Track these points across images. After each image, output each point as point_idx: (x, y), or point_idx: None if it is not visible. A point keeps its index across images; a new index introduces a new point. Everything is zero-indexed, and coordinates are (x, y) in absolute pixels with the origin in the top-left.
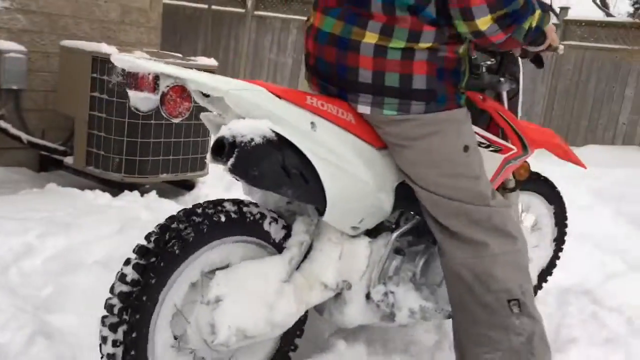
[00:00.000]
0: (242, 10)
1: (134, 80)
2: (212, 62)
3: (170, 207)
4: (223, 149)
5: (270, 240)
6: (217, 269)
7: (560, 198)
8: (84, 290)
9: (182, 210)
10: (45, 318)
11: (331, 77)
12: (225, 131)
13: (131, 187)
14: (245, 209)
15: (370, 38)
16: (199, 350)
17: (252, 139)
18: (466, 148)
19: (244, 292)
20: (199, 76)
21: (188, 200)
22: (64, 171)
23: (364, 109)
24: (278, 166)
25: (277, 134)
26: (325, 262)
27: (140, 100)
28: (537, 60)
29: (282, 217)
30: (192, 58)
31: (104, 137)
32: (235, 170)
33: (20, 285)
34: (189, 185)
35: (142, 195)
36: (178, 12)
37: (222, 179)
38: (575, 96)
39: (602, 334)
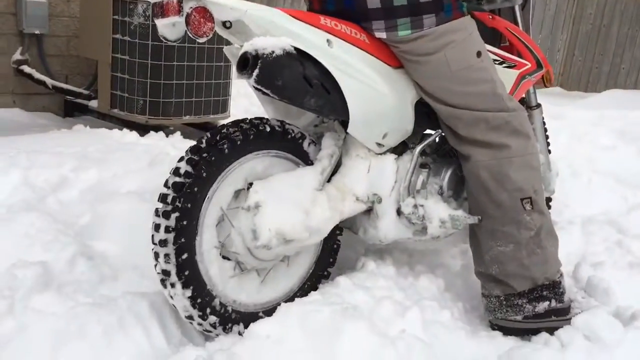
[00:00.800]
0: None
1: (159, 8)
2: None
3: None
4: (247, 64)
5: (308, 160)
6: (249, 183)
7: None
8: (120, 218)
9: (231, 120)
10: (86, 242)
11: (342, 14)
12: (248, 47)
13: (156, 129)
14: (287, 126)
15: None
16: (241, 255)
17: (273, 51)
18: (479, 54)
19: (281, 199)
20: None
21: None
22: (89, 116)
23: (380, 35)
24: (300, 76)
25: (297, 49)
26: (355, 175)
27: (168, 28)
28: None
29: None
30: None
31: (127, 80)
32: (259, 81)
33: (59, 213)
34: (211, 128)
35: (167, 136)
36: None
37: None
38: (596, 41)
39: (627, 259)
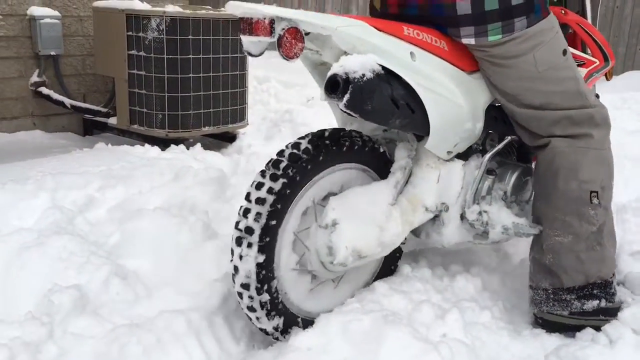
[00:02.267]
0: None
1: (247, 25)
2: None
3: (217, 159)
4: (337, 86)
5: (375, 167)
6: (332, 193)
7: None
8: (150, 235)
9: (310, 133)
10: (118, 261)
11: (424, 19)
12: (337, 69)
13: (176, 142)
14: (365, 138)
15: None
16: (316, 270)
17: (363, 75)
18: (564, 52)
19: (357, 216)
20: (310, 16)
21: (231, 151)
22: (109, 133)
23: (468, 41)
24: (388, 99)
25: (384, 67)
26: (426, 186)
27: (254, 44)
28: None
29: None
30: (223, 9)
31: (145, 95)
32: (350, 107)
33: (89, 233)
34: (230, 137)
35: (187, 148)
36: None
37: (260, 129)
38: (610, 23)
39: None
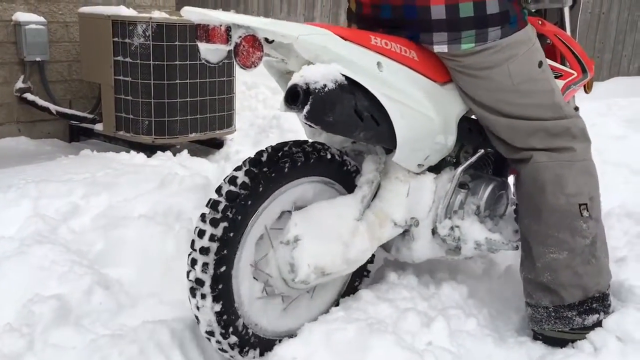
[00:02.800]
0: None
1: (204, 32)
2: None
3: (204, 165)
4: (297, 97)
5: (340, 180)
6: (297, 207)
7: None
8: (134, 243)
9: (293, 140)
10: (101, 270)
11: (397, 22)
12: (297, 79)
13: (162, 148)
14: (331, 150)
15: None
16: (273, 279)
17: (324, 85)
18: (540, 64)
19: (321, 231)
20: (269, 24)
21: (219, 158)
22: (95, 139)
23: (440, 48)
24: (351, 111)
25: (347, 78)
26: (394, 200)
27: (211, 52)
28: None
29: (348, 156)
30: None
31: (131, 101)
32: (310, 118)
33: (72, 242)
34: (218, 144)
35: (174, 155)
36: None
37: (249, 134)
38: (596, 29)
39: None
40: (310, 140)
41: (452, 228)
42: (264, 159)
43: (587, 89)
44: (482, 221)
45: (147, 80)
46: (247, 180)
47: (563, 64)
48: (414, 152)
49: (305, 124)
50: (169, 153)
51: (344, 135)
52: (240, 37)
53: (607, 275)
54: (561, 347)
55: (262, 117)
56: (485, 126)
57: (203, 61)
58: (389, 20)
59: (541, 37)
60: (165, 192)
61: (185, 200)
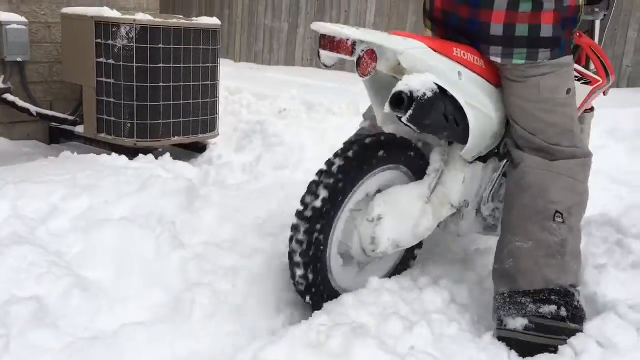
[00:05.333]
0: None
1: (330, 43)
2: (214, 21)
3: (187, 169)
4: (401, 102)
5: (413, 168)
6: (378, 191)
7: None
8: (114, 245)
9: (380, 133)
10: (80, 272)
11: (462, 30)
12: (403, 87)
13: (144, 151)
14: (410, 143)
15: None
16: (356, 256)
17: (424, 94)
18: (569, 91)
19: (398, 212)
20: (385, 40)
21: (201, 162)
22: (76, 141)
23: (495, 59)
24: (442, 115)
25: (439, 86)
26: (454, 186)
27: (330, 58)
28: None
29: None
30: (195, 19)
31: (113, 103)
32: (411, 121)
33: (51, 243)
34: (200, 148)
35: (156, 158)
36: None
37: (232, 139)
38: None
39: (629, 260)
40: (393, 134)
41: (493, 210)
42: (363, 148)
43: (605, 93)
44: None
45: (130, 82)
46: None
47: (590, 70)
48: (477, 147)
49: (405, 125)
50: (151, 156)
51: (432, 134)
52: (363, 50)
53: (573, 276)
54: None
55: (245, 122)
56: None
57: (322, 65)
58: (456, 28)
59: (577, 47)
60: (147, 194)
61: (167, 203)
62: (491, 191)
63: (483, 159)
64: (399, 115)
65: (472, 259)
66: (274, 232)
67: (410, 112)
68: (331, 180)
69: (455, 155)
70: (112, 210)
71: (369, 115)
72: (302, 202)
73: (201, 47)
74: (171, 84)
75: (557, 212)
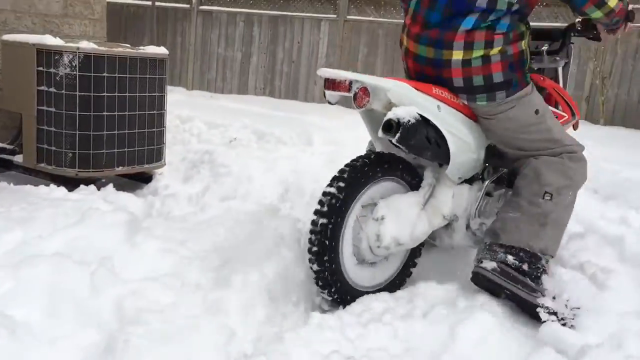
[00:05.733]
0: (187, 6)
1: (331, 84)
2: (162, 50)
3: (130, 200)
4: (391, 127)
5: (408, 181)
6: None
7: None
8: (46, 282)
9: (375, 152)
10: (7, 312)
11: (436, 82)
12: (392, 115)
13: (86, 182)
14: (404, 160)
15: (457, 55)
16: (364, 254)
17: (409, 120)
18: (537, 111)
19: (398, 214)
20: (374, 80)
21: (146, 193)
22: (14, 171)
23: (463, 101)
24: (424, 137)
25: (421, 116)
26: (444, 199)
27: (333, 96)
28: (597, 38)
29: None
30: (142, 48)
31: (54, 132)
32: (399, 141)
33: None
34: (146, 178)
35: (98, 189)
36: (122, 10)
37: (179, 169)
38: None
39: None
40: (392, 153)
41: (480, 224)
42: (368, 160)
43: (575, 127)
44: None
45: (73, 111)
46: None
47: (557, 108)
48: (459, 168)
49: (395, 145)
50: (92, 187)
51: (419, 154)
52: (357, 88)
53: (545, 243)
54: (485, 290)
55: (194, 151)
56: (503, 152)
57: (327, 102)
58: (431, 80)
59: (542, 89)
60: (84, 228)
61: (105, 237)
62: (477, 208)
63: (469, 181)
64: (389, 138)
65: (415, 296)
66: (217, 266)
67: (398, 134)
68: (343, 184)
69: (444, 175)
70: (46, 244)
71: (370, 144)
72: (320, 202)
73: (147, 76)
74: (116, 113)
75: (546, 192)
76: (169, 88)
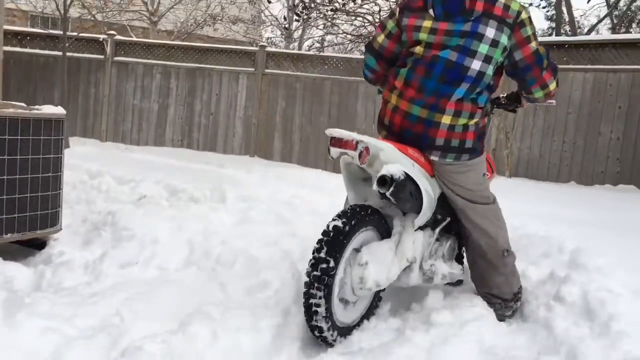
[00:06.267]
0: (102, 57)
1: (338, 142)
2: (59, 110)
3: (16, 270)
4: (385, 182)
5: (382, 230)
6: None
7: None
8: None
9: (360, 205)
10: None
11: (414, 141)
12: (385, 172)
13: None
14: (380, 212)
15: (446, 119)
16: (347, 295)
17: (399, 177)
18: (484, 175)
19: (378, 260)
20: (374, 141)
21: (38, 261)
22: None
23: (434, 158)
24: (408, 192)
25: (405, 173)
26: (408, 245)
27: (337, 152)
28: (514, 110)
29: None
30: (37, 107)
31: None
32: (392, 196)
33: None
34: (39, 244)
35: None
36: (31, 61)
37: (79, 232)
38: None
39: None
40: (368, 204)
41: (431, 265)
42: (345, 218)
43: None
44: (445, 262)
45: None
46: (340, 225)
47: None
48: (425, 216)
49: (387, 198)
50: None
51: (402, 206)
52: (363, 147)
53: (518, 283)
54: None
55: (97, 211)
56: (454, 202)
57: (330, 158)
58: (409, 138)
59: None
60: None
61: None
62: (429, 252)
63: (422, 228)
64: (382, 191)
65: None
66: (105, 345)
67: (391, 189)
68: (341, 225)
69: (409, 223)
70: None
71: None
72: (313, 255)
73: (42, 137)
74: (5, 177)
75: (503, 251)
76: (81, 140)
